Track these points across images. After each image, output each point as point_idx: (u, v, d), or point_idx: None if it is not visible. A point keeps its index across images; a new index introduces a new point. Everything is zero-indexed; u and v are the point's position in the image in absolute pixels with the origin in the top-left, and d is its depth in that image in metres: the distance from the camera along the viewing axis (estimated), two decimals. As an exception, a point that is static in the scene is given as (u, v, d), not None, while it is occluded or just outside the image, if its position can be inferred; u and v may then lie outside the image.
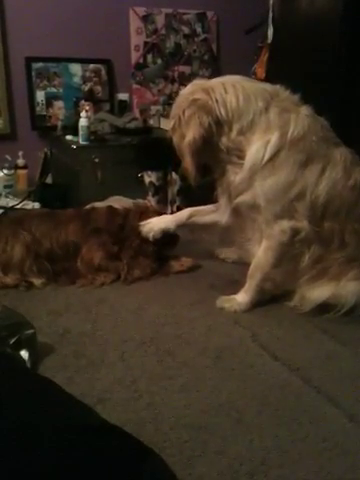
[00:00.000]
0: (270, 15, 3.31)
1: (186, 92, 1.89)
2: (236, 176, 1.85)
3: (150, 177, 2.99)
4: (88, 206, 2.56)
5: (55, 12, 3.44)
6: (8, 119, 3.43)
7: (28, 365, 1.50)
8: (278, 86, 1.87)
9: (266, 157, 1.77)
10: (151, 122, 3.73)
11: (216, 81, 1.87)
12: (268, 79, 3.27)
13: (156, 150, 2.95)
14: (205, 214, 2.13)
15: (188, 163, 1.86)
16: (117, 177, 3.02)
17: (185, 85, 3.78)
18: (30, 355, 1.52)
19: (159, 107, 3.85)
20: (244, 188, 1.83)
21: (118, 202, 2.56)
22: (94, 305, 1.96)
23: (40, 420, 1.00)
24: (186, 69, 3.93)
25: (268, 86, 1.88)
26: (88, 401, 1.29)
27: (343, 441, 1.29)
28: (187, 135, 1.83)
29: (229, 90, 1.80)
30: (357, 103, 2.74)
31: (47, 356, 1.61)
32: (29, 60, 3.44)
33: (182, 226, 2.17)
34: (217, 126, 1.80)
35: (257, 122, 1.78)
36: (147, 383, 1.50)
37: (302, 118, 1.80)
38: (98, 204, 2.56)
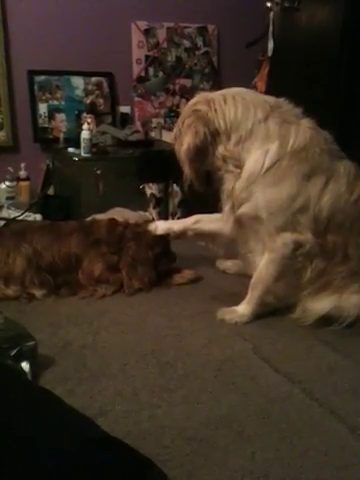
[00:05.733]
0: (270, 29, 3.34)
1: (191, 103, 1.95)
2: (234, 184, 1.86)
3: (151, 189, 3.01)
4: (89, 218, 2.57)
5: (57, 26, 3.47)
6: (11, 131, 3.45)
7: (29, 377, 1.50)
8: (282, 99, 1.89)
9: (265, 166, 1.78)
10: (152, 134, 3.75)
11: (218, 93, 1.91)
12: (268, 92, 3.30)
13: (157, 162, 2.97)
14: (211, 222, 2.13)
15: (186, 170, 1.93)
16: (119, 189, 3.04)
17: (186, 98, 3.86)
18: (31, 367, 1.51)
19: (160, 120, 3.87)
20: (245, 198, 1.84)
21: (120, 214, 2.56)
22: (95, 317, 1.96)
23: (40, 432, 1.00)
24: (187, 82, 3.96)
25: (271, 98, 1.90)
26: (89, 413, 1.29)
27: (345, 454, 1.28)
28: (183, 143, 1.89)
29: (229, 101, 1.84)
30: (357, 116, 2.75)
31: (48, 368, 1.60)
32: (31, 73, 3.47)
33: (187, 230, 2.17)
34: (214, 136, 1.85)
35: (255, 132, 1.80)
36: (148, 395, 1.49)
37: (303, 130, 1.81)
38: (99, 216, 2.57)
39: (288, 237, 1.82)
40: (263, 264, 1.89)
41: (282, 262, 1.85)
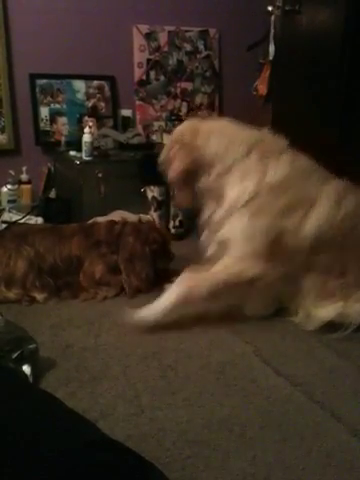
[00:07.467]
0: (271, 32, 3.35)
1: (180, 128, 2.03)
2: (211, 213, 1.93)
3: (153, 192, 3.01)
4: (90, 221, 2.57)
5: (59, 30, 3.48)
6: (12, 134, 3.45)
7: (30, 380, 1.50)
8: (266, 131, 1.94)
9: (243, 201, 1.82)
10: (154, 138, 3.75)
11: (207, 124, 1.98)
12: (270, 95, 3.31)
13: (159, 165, 2.97)
14: None
15: (177, 192, 2.07)
16: (120, 192, 3.03)
17: (187, 101, 3.85)
18: (32, 370, 1.52)
19: (162, 123, 3.87)
20: (220, 227, 1.89)
21: (121, 216, 2.57)
22: (96, 319, 1.96)
23: (41, 435, 0.99)
24: (188, 85, 3.95)
25: (256, 132, 1.94)
26: (90, 416, 1.29)
27: (347, 456, 1.28)
28: (171, 170, 1.98)
29: (214, 134, 1.90)
30: (358, 119, 2.75)
31: (49, 371, 1.60)
32: (33, 77, 3.47)
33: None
34: (198, 167, 1.92)
35: (236, 167, 1.85)
36: (149, 398, 1.49)
37: (282, 165, 1.84)
38: (100, 219, 2.57)
39: (248, 267, 1.81)
40: (219, 265, 1.85)
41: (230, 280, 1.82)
